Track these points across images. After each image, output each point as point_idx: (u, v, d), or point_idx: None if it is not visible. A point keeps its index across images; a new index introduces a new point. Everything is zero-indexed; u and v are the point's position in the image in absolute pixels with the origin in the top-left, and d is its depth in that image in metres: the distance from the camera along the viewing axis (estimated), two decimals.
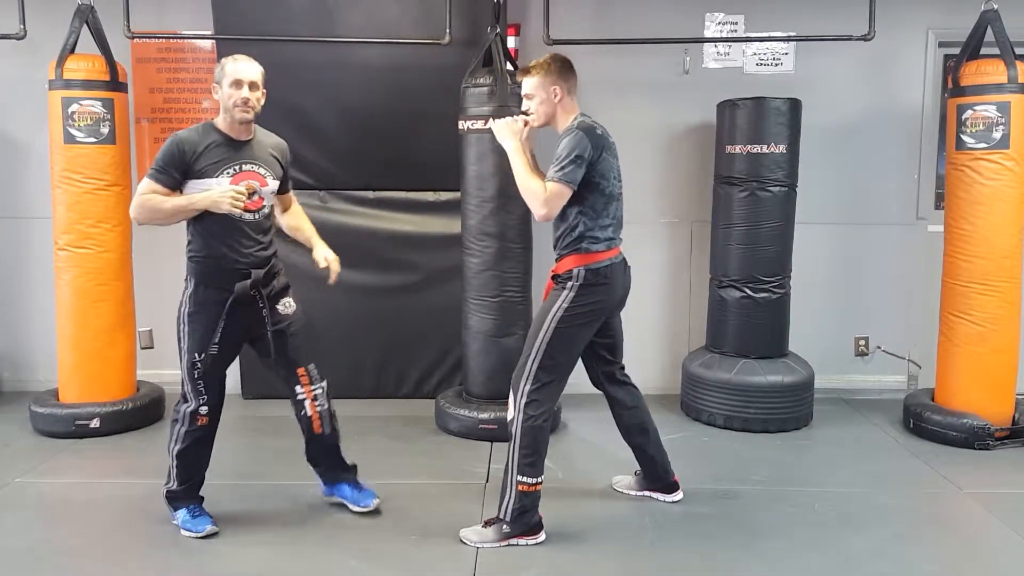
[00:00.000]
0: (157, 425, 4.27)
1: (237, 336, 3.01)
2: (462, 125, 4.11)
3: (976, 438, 3.94)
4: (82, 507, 3.32)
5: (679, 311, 4.91)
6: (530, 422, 2.93)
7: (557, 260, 3.03)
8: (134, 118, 4.65)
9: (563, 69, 3.01)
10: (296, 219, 3.25)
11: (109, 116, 4.06)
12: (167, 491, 3.07)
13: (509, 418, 2.98)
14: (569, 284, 2.95)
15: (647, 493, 3.37)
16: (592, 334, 3.06)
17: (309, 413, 3.10)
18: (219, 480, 3.51)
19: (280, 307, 3.04)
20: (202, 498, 3.11)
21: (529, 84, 3.00)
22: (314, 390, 3.10)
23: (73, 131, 4.02)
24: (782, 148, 4.25)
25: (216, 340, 2.94)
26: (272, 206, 3.08)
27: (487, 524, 2.99)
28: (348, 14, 4.47)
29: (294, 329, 3.08)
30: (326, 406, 3.13)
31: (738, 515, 3.25)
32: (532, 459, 2.93)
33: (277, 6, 4.49)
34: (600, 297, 2.98)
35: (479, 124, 4.03)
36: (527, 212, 4.14)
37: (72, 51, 4.03)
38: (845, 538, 3.05)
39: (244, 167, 2.93)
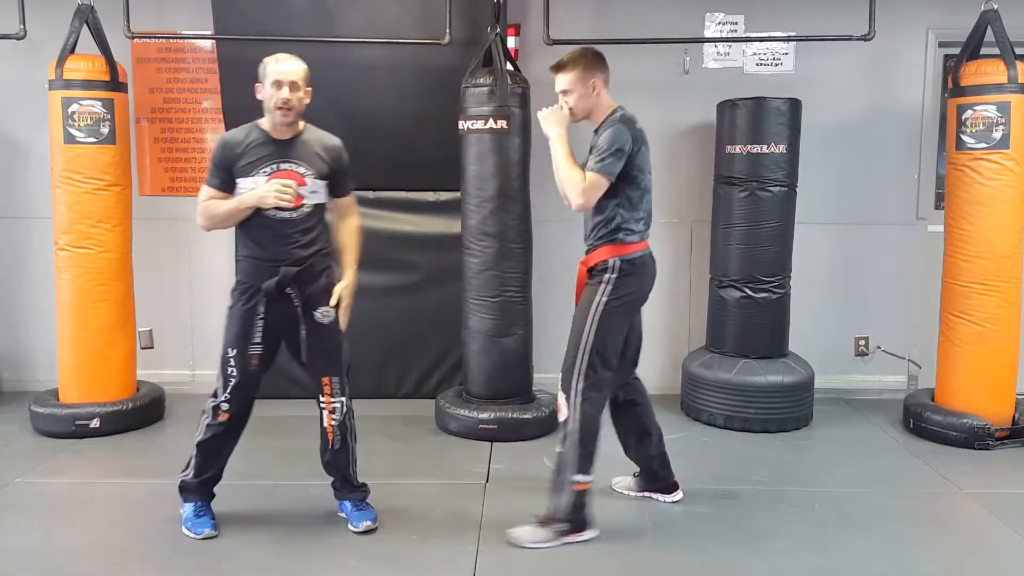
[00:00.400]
0: (157, 425, 4.27)
1: (274, 334, 2.96)
2: (462, 125, 4.11)
3: (976, 438, 3.94)
4: (82, 507, 3.32)
5: (679, 311, 4.91)
6: (588, 420, 2.96)
7: (589, 251, 3.05)
8: (134, 118, 4.65)
9: (598, 61, 3.02)
10: (345, 238, 3.11)
11: (109, 116, 4.06)
12: (181, 480, 3.08)
13: (563, 418, 2.99)
14: (606, 276, 2.98)
15: (647, 494, 3.37)
16: (629, 325, 3.10)
17: (324, 424, 3.05)
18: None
19: (318, 314, 2.95)
20: (213, 495, 3.12)
21: (566, 79, 2.99)
22: (333, 403, 3.02)
23: (73, 131, 4.01)
24: (782, 148, 4.25)
25: (257, 339, 2.92)
26: (316, 205, 2.95)
27: (541, 524, 2.99)
28: (348, 14, 4.47)
29: (326, 338, 2.99)
30: (341, 420, 3.04)
31: (738, 515, 3.25)
32: (590, 456, 2.97)
33: (277, 6, 4.48)
34: (635, 287, 3.02)
35: (479, 124, 4.03)
36: (527, 212, 4.17)
37: (72, 51, 4.03)
38: (845, 538, 3.05)
39: (282, 166, 2.89)
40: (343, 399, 3.05)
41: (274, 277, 2.88)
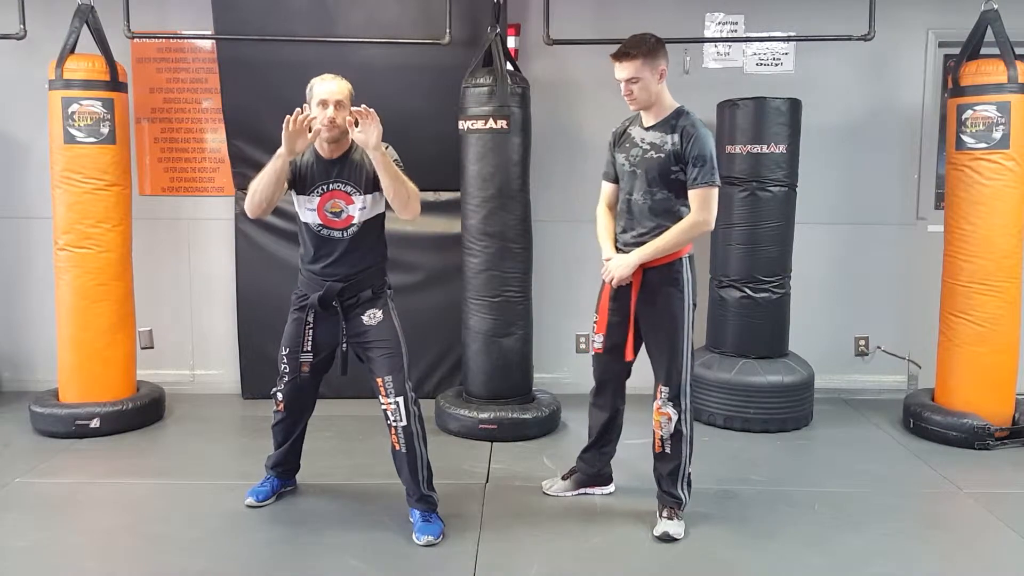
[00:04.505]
0: (157, 425, 4.27)
1: (327, 341, 3.05)
2: (462, 125, 4.11)
3: (976, 438, 3.94)
4: (82, 507, 3.32)
5: None
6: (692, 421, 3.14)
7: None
8: (134, 118, 4.65)
9: (662, 47, 2.96)
10: None
11: (109, 116, 4.06)
12: (266, 457, 3.33)
13: (674, 427, 3.06)
14: (683, 277, 3.00)
15: (584, 491, 3.40)
16: None
17: (390, 423, 3.01)
18: (219, 480, 3.53)
19: (365, 318, 3.00)
20: (286, 479, 3.34)
21: (633, 67, 2.90)
22: (389, 403, 2.98)
23: (73, 131, 4.01)
24: (782, 148, 4.25)
25: (307, 348, 3.05)
26: (366, 223, 2.97)
27: (673, 516, 3.07)
28: (348, 14, 4.47)
29: (376, 339, 3.00)
30: (403, 423, 2.98)
31: (738, 515, 3.25)
32: None
33: (277, 6, 4.48)
34: (695, 283, 3.08)
35: (479, 124, 4.04)
36: (527, 212, 4.18)
37: (72, 51, 4.03)
38: (845, 538, 3.05)
39: (331, 187, 2.95)
40: (398, 399, 2.98)
41: (320, 291, 2.96)
